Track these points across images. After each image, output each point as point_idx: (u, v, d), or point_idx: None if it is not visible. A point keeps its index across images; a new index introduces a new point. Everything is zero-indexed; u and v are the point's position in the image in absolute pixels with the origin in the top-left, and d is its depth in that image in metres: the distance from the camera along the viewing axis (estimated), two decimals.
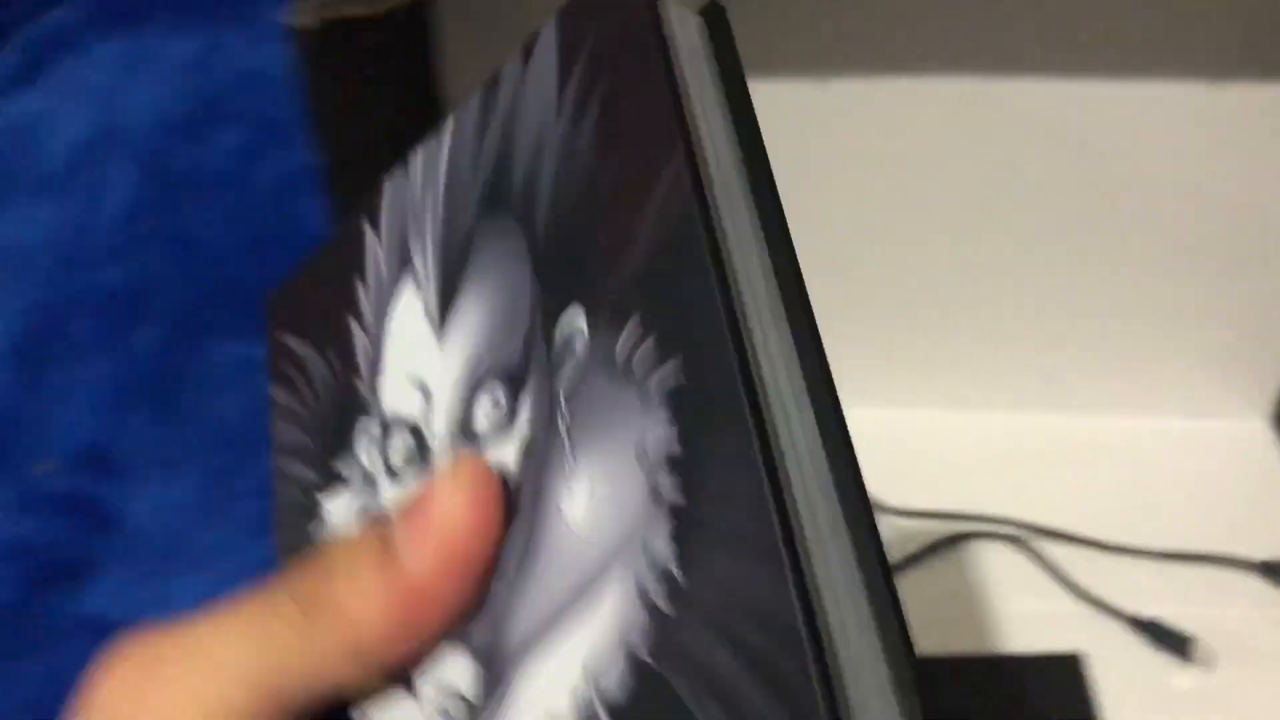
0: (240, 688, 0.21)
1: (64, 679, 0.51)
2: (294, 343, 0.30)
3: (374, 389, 0.26)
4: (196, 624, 0.22)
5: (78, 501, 0.54)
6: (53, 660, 0.49)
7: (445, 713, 0.23)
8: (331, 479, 0.27)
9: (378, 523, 0.23)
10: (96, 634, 0.50)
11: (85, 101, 0.73)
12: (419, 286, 0.25)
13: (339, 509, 0.27)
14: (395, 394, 0.25)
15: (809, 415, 0.20)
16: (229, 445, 0.56)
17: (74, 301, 0.62)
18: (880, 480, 0.47)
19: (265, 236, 0.64)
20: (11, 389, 0.57)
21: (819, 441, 0.20)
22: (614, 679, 0.20)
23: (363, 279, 0.27)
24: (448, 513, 0.22)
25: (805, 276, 0.21)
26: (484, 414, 0.23)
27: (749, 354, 0.19)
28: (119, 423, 0.57)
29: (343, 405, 0.27)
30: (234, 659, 0.22)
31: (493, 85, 0.24)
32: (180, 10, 0.78)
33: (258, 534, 0.53)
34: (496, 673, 0.22)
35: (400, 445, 0.25)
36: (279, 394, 0.31)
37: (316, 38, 0.38)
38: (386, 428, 0.26)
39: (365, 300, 0.27)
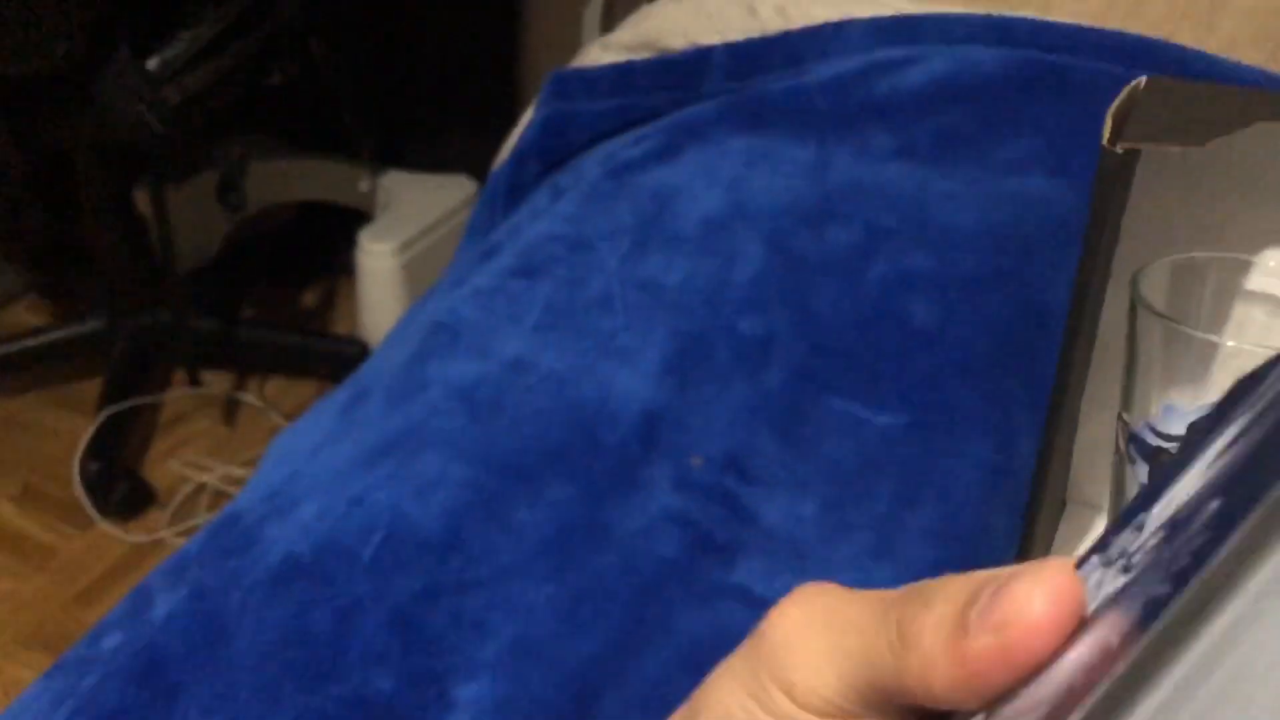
0: (855, 662, 0.26)
1: (717, 635, 0.61)
2: None
3: (1161, 490, 0.29)
4: (852, 598, 0.28)
5: (723, 494, 0.65)
6: (708, 617, 0.59)
7: None
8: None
9: (981, 582, 0.24)
10: (745, 603, 0.61)
11: (715, 182, 0.87)
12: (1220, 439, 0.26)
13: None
14: (1161, 505, 0.26)
15: None
16: (842, 482, 0.66)
17: (715, 336, 0.74)
18: None
19: (872, 320, 0.75)
20: (669, 394, 0.70)
21: None
22: None
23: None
24: (1016, 607, 0.22)
25: None
26: (1140, 545, 0.24)
27: None
28: (751, 439, 0.67)
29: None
30: (855, 641, 0.27)
31: None
32: (796, 123, 0.92)
33: (878, 558, 0.62)
34: None
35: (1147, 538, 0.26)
36: None
37: (1121, 162, 0.47)
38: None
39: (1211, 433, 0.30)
